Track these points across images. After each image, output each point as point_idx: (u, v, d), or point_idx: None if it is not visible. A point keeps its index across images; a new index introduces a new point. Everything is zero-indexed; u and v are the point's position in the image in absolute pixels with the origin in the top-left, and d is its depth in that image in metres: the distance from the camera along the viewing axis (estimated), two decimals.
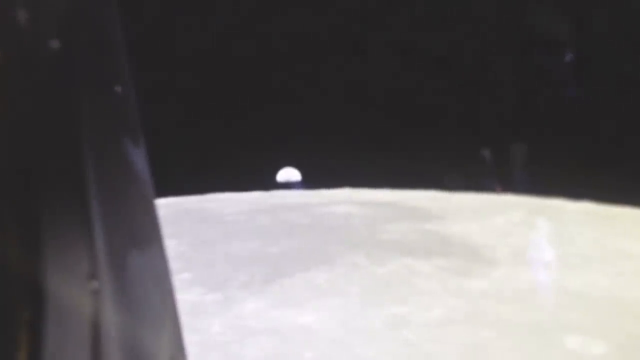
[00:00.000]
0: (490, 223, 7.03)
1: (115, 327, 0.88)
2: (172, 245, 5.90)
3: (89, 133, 0.88)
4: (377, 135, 10.68)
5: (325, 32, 10.73)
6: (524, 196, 8.90)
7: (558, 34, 9.78)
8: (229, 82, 10.94)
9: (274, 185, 10.91)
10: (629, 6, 8.89)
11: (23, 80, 0.80)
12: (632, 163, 8.09)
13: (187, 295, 4.48)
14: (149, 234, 1.03)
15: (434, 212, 7.62)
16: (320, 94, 11.03)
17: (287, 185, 10.97)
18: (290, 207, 8.24)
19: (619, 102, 8.87)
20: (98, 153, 0.89)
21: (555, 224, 6.96)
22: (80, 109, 0.88)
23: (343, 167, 10.38)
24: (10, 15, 0.78)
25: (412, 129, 10.41)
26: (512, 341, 3.69)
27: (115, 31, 1.00)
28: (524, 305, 4.24)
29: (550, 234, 6.32)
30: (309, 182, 10.93)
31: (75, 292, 0.82)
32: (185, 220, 7.45)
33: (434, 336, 3.75)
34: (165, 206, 8.57)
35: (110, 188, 0.92)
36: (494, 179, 9.63)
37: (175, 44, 10.63)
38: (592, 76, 9.47)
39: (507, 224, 6.95)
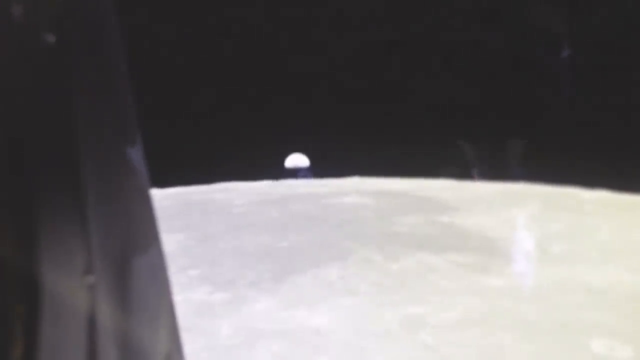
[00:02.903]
0: (506, 215, 6.84)
1: (111, 323, 0.88)
2: (179, 239, 5.77)
3: (84, 128, 0.87)
4: (384, 122, 10.53)
5: (334, 23, 10.54)
6: (537, 185, 8.72)
7: (557, 30, 9.72)
8: (238, 70, 10.78)
9: (282, 171, 10.80)
10: (627, 3, 8.76)
11: (17, 75, 0.79)
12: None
13: (194, 294, 4.33)
14: (145, 230, 1.02)
15: (448, 203, 7.43)
16: (328, 81, 10.87)
17: (295, 171, 10.86)
18: (299, 197, 8.08)
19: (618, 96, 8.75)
20: (94, 148, 0.88)
21: (573, 216, 6.75)
22: (76, 104, 0.87)
23: (351, 155, 10.25)
24: (4, 8, 0.77)
25: (417, 116, 10.26)
26: (534, 344, 3.52)
27: (113, 25, 0.98)
28: (545, 305, 4.06)
29: (569, 227, 6.12)
30: (318, 169, 10.80)
31: (70, 287, 0.81)
32: (192, 213, 7.31)
33: (453, 339, 3.58)
34: (172, 197, 8.44)
35: (106, 183, 0.92)
36: (473, 168, 9.64)
37: (181, 33, 10.46)
38: (589, 73, 9.37)
39: (523, 216, 6.76)
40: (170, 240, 5.69)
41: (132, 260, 0.95)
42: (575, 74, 9.71)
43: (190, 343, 3.61)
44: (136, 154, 0.99)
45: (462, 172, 9.71)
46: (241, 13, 10.63)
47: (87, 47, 0.91)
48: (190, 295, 4.29)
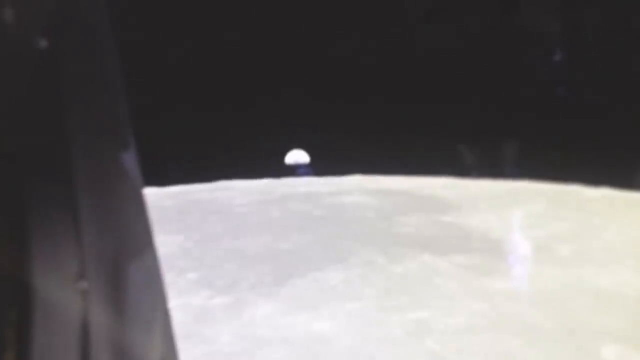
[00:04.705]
0: (510, 214, 6.75)
1: (104, 328, 0.87)
2: (179, 241, 5.68)
3: (77, 132, 0.86)
4: (384, 119, 10.45)
5: (335, 16, 10.44)
6: (539, 183, 8.63)
7: (549, 32, 9.72)
8: (237, 67, 10.68)
9: (283, 168, 10.72)
10: (619, 5, 8.72)
11: (9, 79, 0.78)
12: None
13: (193, 299, 4.23)
14: (139, 234, 1.01)
15: (450, 202, 7.33)
16: (329, 77, 10.77)
17: (296, 168, 10.80)
18: (300, 197, 7.99)
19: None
20: (87, 152, 0.88)
21: (578, 215, 6.66)
22: (68, 108, 0.85)
23: (352, 151, 10.16)
24: None
25: (417, 113, 10.17)
26: (543, 351, 3.42)
27: (106, 28, 0.97)
28: (553, 309, 3.96)
29: (575, 227, 6.02)
30: (318, 166, 10.72)
31: (63, 292, 0.80)
32: (193, 213, 7.21)
33: (459, 345, 3.48)
34: (172, 196, 8.36)
35: (99, 188, 0.91)
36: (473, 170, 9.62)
37: (180, 31, 10.36)
38: (583, 75, 9.33)
39: (527, 216, 6.66)
40: (170, 242, 5.60)
41: (126, 265, 0.94)
42: (568, 76, 9.68)
43: (189, 350, 3.49)
44: (129, 158, 0.98)
45: (461, 172, 9.66)
46: (241, 9, 10.53)
47: (79, 51, 0.90)
48: (189, 300, 4.20)
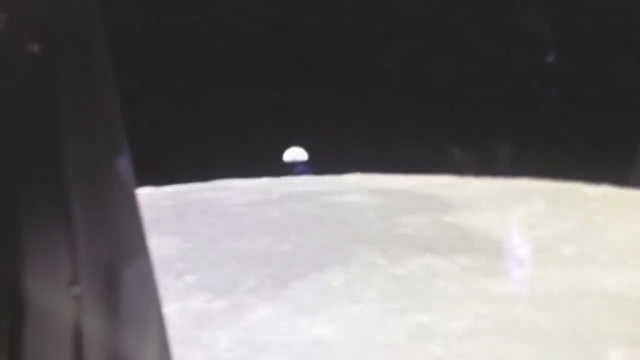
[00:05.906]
0: (512, 213, 6.68)
1: (97, 334, 0.86)
2: (176, 242, 5.60)
3: (70, 137, 0.85)
4: (384, 116, 10.39)
5: (333, 17, 10.38)
6: (539, 181, 8.56)
7: (541, 33, 9.68)
8: (235, 63, 10.62)
9: (281, 166, 10.65)
10: (612, 6, 8.68)
11: (1, 83, 0.77)
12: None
13: (191, 302, 4.16)
14: (133, 239, 1.00)
15: (451, 202, 7.25)
16: (327, 75, 10.70)
17: (294, 165, 10.73)
18: (299, 197, 7.90)
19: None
20: (80, 157, 0.87)
21: (579, 214, 6.58)
22: (61, 113, 0.85)
23: (351, 149, 10.10)
24: None
25: (418, 111, 10.11)
26: (548, 355, 3.37)
27: (98, 32, 0.96)
28: (558, 312, 3.90)
29: (577, 226, 5.95)
30: (317, 165, 10.65)
31: (56, 298, 0.80)
32: (190, 214, 7.12)
33: (463, 350, 3.42)
34: (170, 196, 8.27)
35: (92, 192, 0.90)
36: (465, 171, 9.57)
37: (179, 26, 10.29)
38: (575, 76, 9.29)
39: (529, 215, 6.58)
40: (167, 244, 5.52)
41: (120, 270, 0.93)
42: (561, 77, 9.65)
43: (187, 356, 3.40)
44: (123, 162, 0.97)
45: (460, 170, 9.60)
46: (240, 7, 10.46)
47: (72, 56, 0.90)
48: (187, 304, 4.12)
